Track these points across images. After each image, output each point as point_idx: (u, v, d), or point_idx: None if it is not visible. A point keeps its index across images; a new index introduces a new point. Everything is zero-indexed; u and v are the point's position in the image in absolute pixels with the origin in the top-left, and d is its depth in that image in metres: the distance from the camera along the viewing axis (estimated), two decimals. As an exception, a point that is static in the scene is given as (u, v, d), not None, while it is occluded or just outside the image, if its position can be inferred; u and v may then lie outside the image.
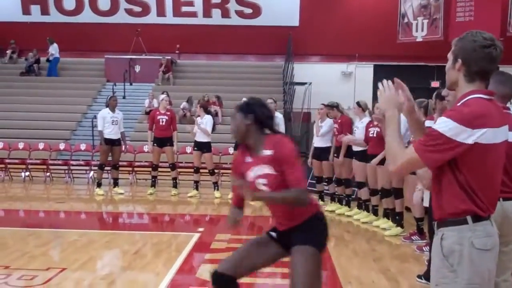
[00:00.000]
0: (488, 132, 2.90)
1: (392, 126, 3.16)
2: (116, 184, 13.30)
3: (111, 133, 12.83)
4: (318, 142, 11.38)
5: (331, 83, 24.22)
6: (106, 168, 13.54)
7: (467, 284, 2.92)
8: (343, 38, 24.28)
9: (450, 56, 3.11)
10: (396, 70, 23.92)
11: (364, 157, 9.72)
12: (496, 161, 3.02)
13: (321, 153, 11.28)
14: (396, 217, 9.27)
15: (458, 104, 3.03)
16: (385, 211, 9.70)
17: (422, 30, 20.80)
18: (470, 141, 2.87)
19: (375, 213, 10.11)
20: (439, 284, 3.01)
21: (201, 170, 12.96)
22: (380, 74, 24.81)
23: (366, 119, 10.16)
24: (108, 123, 12.82)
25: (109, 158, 13.12)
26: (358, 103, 10.61)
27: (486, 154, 2.93)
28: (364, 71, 25.45)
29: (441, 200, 3.05)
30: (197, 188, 12.99)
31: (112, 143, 12.89)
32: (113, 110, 12.93)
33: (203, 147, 12.67)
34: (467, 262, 2.92)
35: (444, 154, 2.91)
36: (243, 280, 6.46)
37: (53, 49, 24.74)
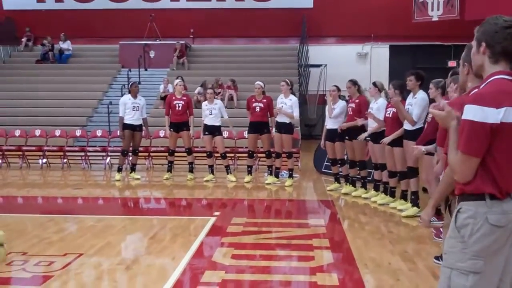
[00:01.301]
0: (509, 110, 2.94)
1: (452, 139, 3.21)
2: (133, 169, 13.33)
3: (132, 118, 12.84)
4: (330, 124, 11.29)
5: (347, 64, 24.10)
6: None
7: (473, 256, 3.02)
8: (357, 19, 24.10)
9: (474, 42, 3.22)
10: (412, 50, 23.89)
11: (381, 138, 9.64)
12: None
13: (334, 135, 11.20)
14: (412, 196, 9.22)
15: (481, 86, 3.11)
16: (403, 193, 9.63)
17: (438, 9, 20.62)
18: (497, 120, 2.93)
19: (392, 194, 10.04)
20: (448, 253, 3.15)
21: (215, 154, 12.98)
22: (396, 54, 24.76)
23: (381, 100, 10.07)
24: (129, 109, 12.83)
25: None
26: (374, 83, 10.43)
27: (510, 135, 2.98)
28: (380, 52, 25.32)
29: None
30: (212, 172, 13.00)
31: (133, 129, 12.89)
32: (134, 96, 12.92)
33: (214, 130, 12.68)
34: (478, 236, 3.01)
35: (483, 139, 2.96)
36: (259, 264, 6.50)
37: (66, 45, 24.90)
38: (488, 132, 2.94)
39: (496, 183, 3.01)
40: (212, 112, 12.70)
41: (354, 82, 10.94)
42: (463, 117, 3.03)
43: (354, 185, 11.30)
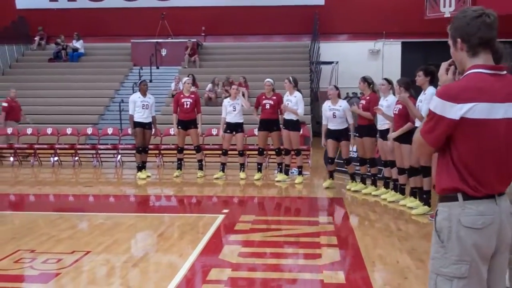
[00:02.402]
0: (478, 106, 2.87)
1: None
2: (143, 167, 13.33)
3: (142, 117, 12.82)
4: (334, 124, 11.26)
5: (359, 61, 24.05)
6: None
7: (457, 261, 2.95)
8: (369, 16, 24.02)
9: (450, 42, 3.12)
10: (424, 46, 23.77)
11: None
12: (495, 137, 2.94)
13: (339, 135, 11.19)
14: (423, 195, 9.17)
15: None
16: (412, 190, 9.59)
17: (450, 5, 20.43)
18: (457, 116, 2.87)
19: (402, 192, 9.99)
20: (434, 258, 3.08)
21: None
22: (408, 51, 24.64)
23: (391, 97, 10.03)
24: (139, 107, 12.82)
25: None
26: (386, 80, 10.40)
27: (479, 130, 2.90)
28: (392, 49, 25.22)
29: (439, 176, 3.07)
30: (223, 170, 12.97)
31: (143, 127, 12.88)
32: (144, 95, 12.91)
33: (237, 127, 12.67)
34: (455, 239, 2.95)
35: (439, 132, 2.94)
36: (266, 261, 6.49)
37: (79, 45, 25.03)
38: (446, 127, 2.90)
39: (465, 180, 2.94)
40: (235, 108, 12.63)
41: (365, 79, 10.89)
42: (429, 106, 3.01)
43: (364, 182, 11.26)
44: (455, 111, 2.86)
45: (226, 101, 12.84)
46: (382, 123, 10.09)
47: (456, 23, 3.05)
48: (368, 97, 10.72)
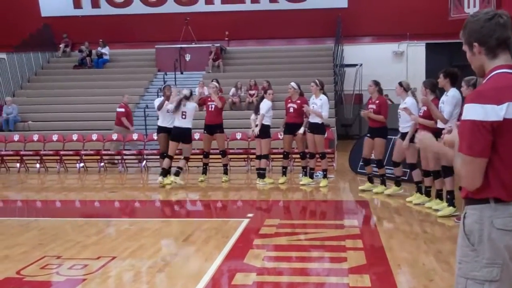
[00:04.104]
0: (511, 106, 2.79)
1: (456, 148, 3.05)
2: (168, 173, 13.28)
3: (167, 122, 12.82)
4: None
5: (383, 63, 23.95)
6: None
7: (488, 264, 2.87)
8: (393, 17, 23.87)
9: (465, 48, 3.05)
10: (448, 48, 23.53)
11: (413, 137, 9.55)
12: None
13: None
14: (447, 196, 9.08)
15: (482, 84, 2.97)
16: (438, 192, 9.50)
17: (475, 5, 20.26)
18: (500, 117, 2.77)
19: (428, 194, 9.91)
20: (462, 262, 2.98)
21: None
22: (432, 52, 24.44)
23: (409, 99, 10.07)
24: (163, 112, 12.83)
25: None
26: (400, 83, 10.48)
27: None
28: (416, 50, 25.06)
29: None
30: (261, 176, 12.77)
31: (168, 132, 12.85)
32: (168, 100, 12.87)
33: (261, 133, 12.50)
34: (486, 242, 2.86)
35: (486, 139, 2.80)
36: (290, 265, 6.47)
37: (106, 51, 25.26)
38: (490, 131, 2.78)
39: (503, 185, 2.85)
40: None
41: (376, 83, 10.98)
42: (463, 117, 2.87)
43: (385, 184, 11.22)
44: (497, 112, 2.77)
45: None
46: (403, 126, 10.07)
47: (470, 27, 2.98)
48: (377, 101, 10.83)
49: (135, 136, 16.40)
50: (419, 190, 10.18)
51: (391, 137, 11.41)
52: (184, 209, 11.21)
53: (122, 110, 16.79)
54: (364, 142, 11.40)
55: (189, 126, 12.55)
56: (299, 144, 12.48)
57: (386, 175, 11.34)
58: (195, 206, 11.38)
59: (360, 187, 11.57)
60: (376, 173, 11.33)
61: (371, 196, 11.06)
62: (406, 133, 9.91)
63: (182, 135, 12.46)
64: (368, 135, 11.16)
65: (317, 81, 12.09)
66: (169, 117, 12.77)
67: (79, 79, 24.20)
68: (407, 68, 24.52)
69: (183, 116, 12.37)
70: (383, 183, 11.21)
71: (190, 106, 12.51)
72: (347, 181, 13.02)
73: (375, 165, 11.35)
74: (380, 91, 11.05)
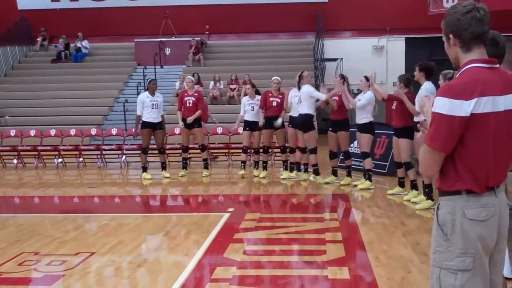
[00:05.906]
0: (483, 100, 2.84)
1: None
2: (164, 168, 13.22)
3: (151, 116, 12.64)
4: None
5: (363, 58, 23.96)
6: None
7: (461, 254, 2.93)
8: (373, 12, 23.96)
9: (443, 38, 3.10)
10: (428, 42, 23.62)
11: (401, 133, 9.56)
12: (498, 130, 2.91)
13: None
14: (425, 189, 9.14)
15: (455, 77, 3.03)
16: (412, 182, 9.66)
17: (453, 0, 20.32)
18: (467, 113, 2.82)
19: (401, 185, 10.13)
20: (436, 252, 3.04)
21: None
22: (412, 47, 24.54)
23: (369, 93, 10.50)
24: (148, 107, 12.62)
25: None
26: (366, 77, 10.66)
27: (485, 124, 2.87)
28: (396, 45, 25.16)
29: (443, 177, 3.02)
30: (245, 168, 12.95)
31: (153, 127, 12.68)
32: (152, 94, 12.71)
33: (255, 126, 12.57)
34: (459, 232, 2.93)
35: (451, 133, 2.86)
36: (270, 259, 6.44)
37: (85, 44, 25.05)
38: (457, 126, 2.82)
39: (474, 177, 2.91)
40: (254, 108, 12.60)
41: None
42: (433, 109, 2.90)
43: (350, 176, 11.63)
44: (464, 107, 2.80)
45: (245, 99, 12.88)
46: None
47: (448, 19, 3.02)
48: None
49: (114, 131, 16.30)
50: (400, 184, 10.24)
51: (378, 131, 11.49)
52: (164, 204, 11.15)
53: None
54: (328, 136, 11.57)
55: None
56: (279, 138, 12.47)
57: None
58: (175, 201, 11.33)
59: (342, 182, 11.59)
60: (360, 167, 11.41)
61: (350, 189, 11.11)
62: (400, 128, 9.69)
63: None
64: (330, 129, 11.39)
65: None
66: (154, 112, 12.63)
67: (57, 73, 23.97)
68: (387, 62, 24.61)
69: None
70: (349, 174, 11.53)
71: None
72: (328, 175, 13.02)
73: (354, 159, 11.47)
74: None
